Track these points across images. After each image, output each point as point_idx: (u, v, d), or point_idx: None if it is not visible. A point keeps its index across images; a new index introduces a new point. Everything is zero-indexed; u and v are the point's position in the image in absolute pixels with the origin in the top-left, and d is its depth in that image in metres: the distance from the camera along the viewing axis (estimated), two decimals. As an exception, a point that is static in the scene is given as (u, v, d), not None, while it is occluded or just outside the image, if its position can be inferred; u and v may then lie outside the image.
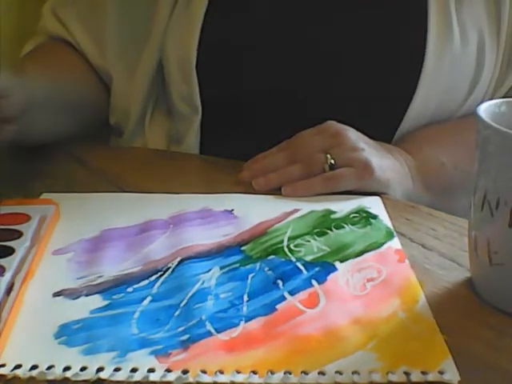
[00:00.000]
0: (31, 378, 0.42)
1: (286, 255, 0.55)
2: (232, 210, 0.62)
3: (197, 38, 0.74)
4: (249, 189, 0.66)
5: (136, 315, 0.48)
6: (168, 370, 0.42)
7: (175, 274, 0.52)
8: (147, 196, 0.65)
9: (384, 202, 0.64)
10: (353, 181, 0.64)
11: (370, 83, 0.74)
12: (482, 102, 0.59)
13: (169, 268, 0.53)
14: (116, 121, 0.83)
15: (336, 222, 0.60)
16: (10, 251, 0.52)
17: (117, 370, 0.42)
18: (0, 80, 0.59)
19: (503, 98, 0.52)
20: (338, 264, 0.54)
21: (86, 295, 0.50)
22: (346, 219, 0.61)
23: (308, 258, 0.55)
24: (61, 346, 0.44)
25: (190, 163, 0.76)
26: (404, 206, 0.64)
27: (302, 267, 0.53)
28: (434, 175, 0.71)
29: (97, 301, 0.49)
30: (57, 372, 0.42)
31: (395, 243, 0.57)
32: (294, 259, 0.55)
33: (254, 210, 0.62)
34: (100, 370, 0.42)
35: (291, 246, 0.56)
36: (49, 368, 0.42)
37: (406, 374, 0.42)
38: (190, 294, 0.50)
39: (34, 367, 0.42)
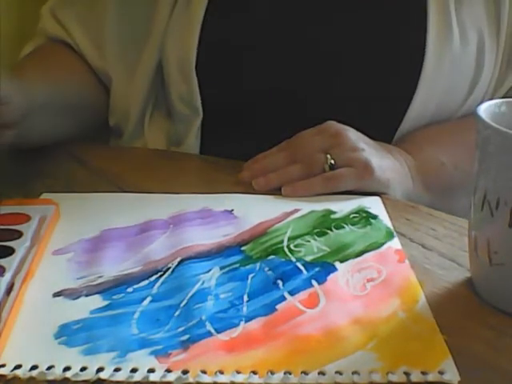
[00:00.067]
0: (31, 378, 0.42)
1: (286, 255, 0.55)
2: (232, 210, 0.62)
3: (197, 38, 0.74)
4: (249, 189, 0.66)
5: (136, 315, 0.48)
6: (168, 370, 0.42)
7: (175, 274, 0.52)
8: (147, 196, 0.65)
9: (384, 202, 0.64)
10: (353, 181, 0.64)
11: (370, 83, 0.74)
12: (481, 102, 0.59)
13: (169, 268, 0.53)
14: (115, 122, 0.83)
15: (336, 222, 0.60)
16: (9, 251, 0.52)
17: (117, 370, 0.42)
18: (0, 86, 0.59)
19: (503, 98, 0.52)
20: (338, 264, 0.54)
21: (86, 295, 0.50)
22: (346, 219, 0.61)
23: (308, 258, 0.55)
24: (61, 346, 0.44)
25: (190, 163, 0.76)
26: (404, 206, 0.64)
27: (302, 267, 0.53)
28: (434, 175, 0.71)
29: (97, 301, 0.49)
30: (57, 372, 0.42)
31: (395, 243, 0.57)
32: (294, 259, 0.55)
33: (254, 210, 0.62)
34: (100, 370, 0.42)
35: (291, 246, 0.56)
36: (49, 368, 0.42)
37: (406, 374, 0.42)
38: (190, 294, 0.50)
39: (34, 367, 0.42)
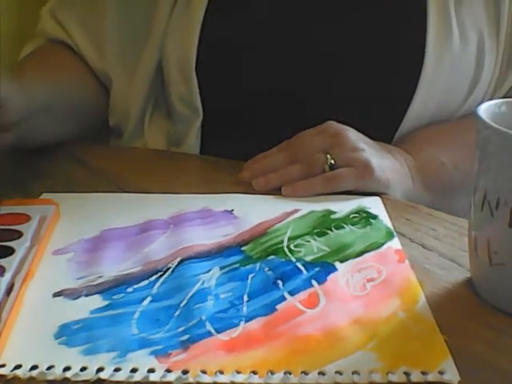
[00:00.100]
0: (31, 378, 0.42)
1: (286, 255, 0.55)
2: (232, 210, 0.62)
3: (196, 38, 0.74)
4: (249, 189, 0.66)
5: (136, 315, 0.48)
6: (168, 370, 0.42)
7: (175, 274, 0.52)
8: (147, 196, 0.65)
9: (384, 202, 0.64)
10: (353, 181, 0.64)
11: (370, 83, 0.74)
12: (481, 102, 0.59)
13: (169, 268, 0.53)
14: (115, 122, 0.83)
15: (336, 222, 0.60)
16: (9, 251, 0.52)
17: (117, 370, 0.42)
18: (0, 88, 0.59)
19: (503, 98, 0.52)
20: (338, 264, 0.54)
21: (86, 295, 0.50)
22: (346, 219, 0.61)
23: (308, 258, 0.55)
24: (61, 346, 0.44)
25: (190, 163, 0.76)
26: (404, 206, 0.64)
27: (302, 267, 0.53)
28: (434, 175, 0.71)
29: (97, 301, 0.49)
30: (57, 372, 0.42)
31: (395, 243, 0.57)
32: (294, 259, 0.55)
33: (254, 210, 0.62)
34: (100, 370, 0.42)
35: (291, 246, 0.56)
36: (49, 368, 0.42)
37: (406, 374, 0.42)
38: (190, 294, 0.50)
39: (34, 367, 0.42)
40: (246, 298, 0.50)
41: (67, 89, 0.76)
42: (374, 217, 0.61)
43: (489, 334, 0.47)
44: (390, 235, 0.58)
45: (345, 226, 0.60)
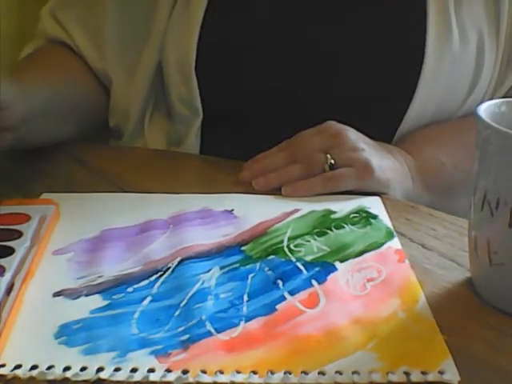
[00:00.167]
0: (31, 378, 0.42)
1: (286, 255, 0.55)
2: (232, 210, 0.62)
3: (196, 38, 0.74)
4: (249, 189, 0.66)
5: (136, 315, 0.48)
6: (168, 370, 0.42)
7: (175, 274, 0.52)
8: (147, 196, 0.65)
9: (384, 202, 0.64)
10: (353, 181, 0.64)
11: (370, 83, 0.74)
12: (481, 102, 0.59)
13: (169, 268, 0.53)
14: (115, 123, 0.83)
15: (336, 221, 0.60)
16: (10, 251, 0.52)
17: (117, 370, 0.42)
18: (0, 91, 0.59)
19: (503, 98, 0.52)
20: (338, 264, 0.54)
21: (86, 295, 0.50)
22: (346, 219, 0.61)
23: (308, 258, 0.55)
24: (61, 346, 0.44)
25: (190, 163, 0.76)
26: (404, 206, 0.64)
27: (302, 267, 0.53)
28: (434, 175, 0.71)
29: (97, 301, 0.49)
30: (57, 372, 0.42)
31: (395, 243, 0.57)
32: (294, 259, 0.55)
33: (254, 210, 0.62)
34: (100, 370, 0.42)
35: (291, 246, 0.56)
36: (49, 368, 0.42)
37: (406, 374, 0.42)
38: (189, 294, 0.50)
39: (34, 367, 0.42)
40: (245, 297, 0.50)
41: (67, 89, 0.76)
42: (374, 217, 0.61)
43: (489, 334, 0.47)
44: (389, 235, 0.58)
45: (345, 225, 0.60)
